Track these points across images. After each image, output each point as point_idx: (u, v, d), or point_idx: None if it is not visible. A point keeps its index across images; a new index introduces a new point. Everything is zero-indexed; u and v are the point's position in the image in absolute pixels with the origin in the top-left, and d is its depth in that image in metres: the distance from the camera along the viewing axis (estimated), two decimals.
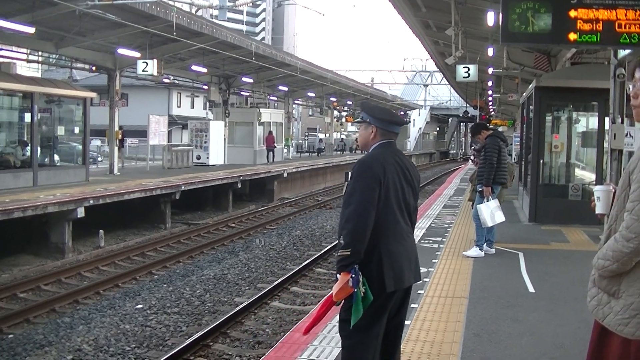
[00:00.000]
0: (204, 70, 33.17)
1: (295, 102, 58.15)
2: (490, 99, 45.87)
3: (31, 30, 20.34)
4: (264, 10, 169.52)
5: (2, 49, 27.52)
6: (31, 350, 10.84)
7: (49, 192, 19.92)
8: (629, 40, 8.58)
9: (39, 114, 21.81)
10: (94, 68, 29.45)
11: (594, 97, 16.77)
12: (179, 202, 24.72)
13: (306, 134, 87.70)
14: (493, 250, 12.72)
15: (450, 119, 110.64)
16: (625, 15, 8.52)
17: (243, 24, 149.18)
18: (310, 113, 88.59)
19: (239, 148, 40.10)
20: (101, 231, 20.14)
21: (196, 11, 31.00)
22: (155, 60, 25.79)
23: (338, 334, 4.82)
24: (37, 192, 19.75)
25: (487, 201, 12.12)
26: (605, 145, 14.49)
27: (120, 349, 10.83)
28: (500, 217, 12.18)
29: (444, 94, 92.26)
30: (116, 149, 29.74)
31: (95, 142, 43.91)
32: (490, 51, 21.55)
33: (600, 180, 15.64)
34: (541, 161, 17.50)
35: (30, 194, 19.34)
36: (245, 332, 11.70)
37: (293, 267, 17.17)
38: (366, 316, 4.46)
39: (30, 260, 17.78)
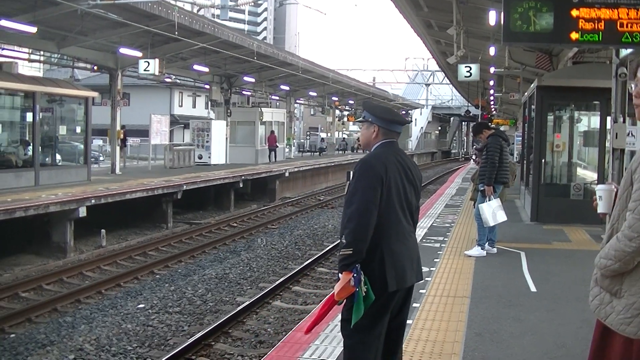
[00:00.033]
0: (206, 69, 33.18)
1: (297, 101, 58.15)
2: (492, 98, 45.80)
3: (33, 29, 20.36)
4: (265, 9, 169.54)
5: (4, 49, 27.54)
6: (33, 350, 10.84)
7: (51, 191, 19.92)
8: (630, 40, 8.58)
9: (40, 114, 21.81)
10: (95, 68, 29.43)
11: (596, 97, 16.76)
12: (180, 201, 24.72)
13: (308, 133, 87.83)
14: (495, 250, 12.71)
15: (452, 119, 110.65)
16: (627, 14, 8.52)
17: (245, 24, 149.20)
18: (312, 112, 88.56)
19: (241, 147, 40.11)
20: (103, 231, 20.14)
21: (198, 11, 31.02)
22: (157, 60, 25.79)
23: (340, 334, 4.81)
24: (39, 192, 19.75)
25: (489, 200, 12.11)
26: (607, 144, 14.49)
27: (122, 349, 10.83)
28: (502, 217, 12.17)
29: (446, 93, 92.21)
30: (118, 148, 29.73)
31: (97, 142, 43.95)
32: (492, 50, 21.55)
33: (602, 179, 15.62)
34: (543, 160, 17.49)
35: (32, 193, 19.35)
36: (247, 332, 11.70)
37: (295, 267, 17.18)
38: (368, 315, 4.46)
39: (32, 259, 17.78)
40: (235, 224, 25.19)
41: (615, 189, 4.07)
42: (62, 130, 24.49)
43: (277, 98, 53.53)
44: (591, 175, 17.92)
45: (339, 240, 4.73)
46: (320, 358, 6.78)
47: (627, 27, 8.53)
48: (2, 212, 16.03)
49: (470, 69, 21.01)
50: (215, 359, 10.34)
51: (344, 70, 64.16)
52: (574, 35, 8.68)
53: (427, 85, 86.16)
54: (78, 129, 25.34)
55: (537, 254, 12.72)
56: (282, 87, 46.09)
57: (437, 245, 13.50)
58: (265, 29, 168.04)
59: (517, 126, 41.16)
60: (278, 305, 13.52)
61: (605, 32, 8.59)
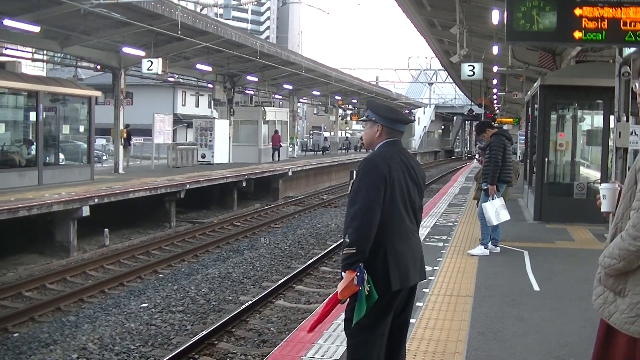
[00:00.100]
0: (209, 68, 33.17)
1: (300, 100, 58.14)
2: (495, 97, 45.79)
3: (36, 29, 20.38)
4: (268, 8, 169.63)
5: (7, 48, 27.54)
6: (36, 349, 10.86)
7: (54, 190, 19.93)
8: (634, 39, 8.58)
9: (44, 113, 21.82)
10: (98, 67, 29.42)
11: (599, 96, 16.75)
12: (183, 200, 24.73)
13: (311, 132, 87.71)
14: (498, 249, 12.71)
15: (455, 118, 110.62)
16: (631, 13, 8.51)
17: (248, 23, 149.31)
18: (315, 111, 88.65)
19: (244, 147, 40.11)
20: (106, 230, 20.16)
21: (201, 10, 31.04)
22: (160, 59, 25.78)
23: (343, 333, 4.81)
24: (42, 191, 19.77)
25: (492, 199, 12.11)
26: (611, 143, 14.48)
27: (125, 348, 10.84)
28: (505, 216, 12.16)
29: (449, 93, 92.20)
30: (121, 147, 29.75)
31: (100, 141, 43.95)
32: (495, 49, 21.54)
33: (605, 178, 15.63)
34: (546, 159, 17.48)
35: (35, 192, 19.36)
36: (250, 331, 11.70)
37: (298, 266, 17.18)
38: (371, 315, 4.46)
39: (35, 259, 17.80)
40: (238, 223, 25.20)
41: (619, 188, 4.07)
42: (66, 129, 24.51)
43: (280, 97, 53.47)
44: (594, 174, 17.90)
45: (342, 239, 4.73)
46: (324, 357, 6.78)
47: (630, 25, 8.52)
48: (5, 212, 16.05)
49: (473, 67, 21.03)
50: (219, 358, 10.34)
51: (347, 69, 64.22)
52: (577, 34, 8.68)
53: (430, 84, 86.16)
54: (81, 129, 25.37)
55: (541, 253, 12.71)
56: (285, 86, 46.05)
57: (440, 244, 13.49)
58: (268, 28, 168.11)
59: (520, 125, 41.20)
60: (281, 304, 13.53)
61: (608, 31, 8.59)
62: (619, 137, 11.73)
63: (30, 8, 20.44)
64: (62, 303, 13.73)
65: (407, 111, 70.14)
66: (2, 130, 21.91)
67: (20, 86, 21.15)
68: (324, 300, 10.03)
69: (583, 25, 8.62)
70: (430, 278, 10.05)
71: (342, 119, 67.95)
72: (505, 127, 38.78)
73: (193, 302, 13.80)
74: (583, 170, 18.56)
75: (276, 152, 42.26)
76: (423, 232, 14.69)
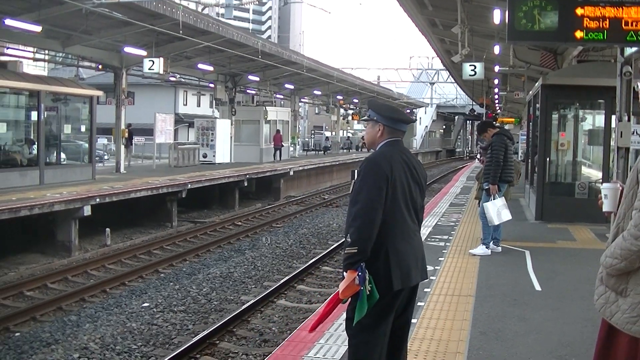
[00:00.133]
0: (210, 68, 33.19)
1: (302, 100, 58.14)
2: (496, 96, 45.81)
3: (38, 28, 20.39)
4: (270, 8, 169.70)
5: (9, 48, 27.55)
6: (38, 349, 10.86)
7: (56, 190, 19.94)
8: (635, 38, 8.56)
9: (45, 113, 21.82)
10: (100, 66, 29.45)
11: (601, 95, 16.74)
12: (185, 200, 24.74)
13: (312, 132, 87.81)
14: (499, 249, 12.70)
15: (456, 117, 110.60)
16: (632, 12, 8.51)
17: (249, 22, 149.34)
18: (316, 111, 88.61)
19: (245, 146, 40.09)
20: (107, 229, 20.16)
21: (202, 9, 31.10)
22: (161, 59, 25.80)
23: (345, 332, 4.81)
24: (44, 191, 19.78)
25: (494, 199, 12.10)
26: (612, 143, 14.45)
27: (126, 347, 10.84)
28: (506, 215, 12.16)
29: (450, 92, 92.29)
30: (123, 147, 29.75)
31: (102, 141, 43.95)
32: (497, 49, 21.54)
33: (606, 178, 15.62)
34: (548, 159, 17.47)
35: (37, 192, 19.37)
36: (251, 331, 11.71)
37: (299, 265, 17.19)
38: (373, 314, 4.46)
39: (36, 258, 17.81)
40: (239, 223, 25.20)
41: (620, 188, 4.07)
42: (67, 129, 24.50)
43: (282, 97, 53.49)
44: (596, 174, 17.90)
45: (343, 239, 4.73)
46: (325, 357, 6.78)
47: (632, 25, 8.51)
48: (7, 211, 16.06)
49: (475, 67, 21.04)
50: (220, 357, 10.34)
51: (349, 69, 64.30)
52: (579, 34, 8.67)
53: (432, 84, 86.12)
54: (83, 128, 25.37)
55: (542, 252, 12.71)
56: (287, 85, 46.08)
57: (442, 244, 13.49)
58: (269, 27, 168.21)
59: (522, 125, 41.18)
60: (283, 304, 13.53)
61: (610, 31, 8.58)
62: (621, 136, 11.70)
63: (32, 8, 20.47)
64: (63, 302, 13.73)
65: (408, 111, 70.16)
66: (3, 130, 21.93)
67: (21, 86, 21.16)
68: (326, 299, 10.03)
69: (584, 25, 8.61)
70: (431, 278, 10.04)
71: (343, 119, 67.96)
72: (506, 127, 38.78)
73: (194, 301, 13.80)
74: (584, 170, 18.55)
75: (278, 152, 42.25)
76: (424, 231, 14.69)
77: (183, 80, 47.26)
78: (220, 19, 34.56)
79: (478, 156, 17.92)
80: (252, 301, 13.12)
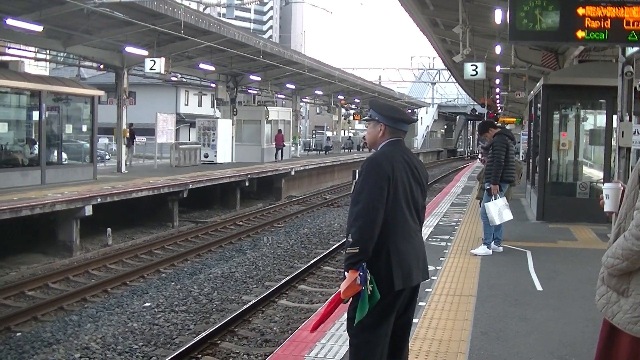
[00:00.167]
0: (212, 68, 33.19)
1: (303, 100, 58.13)
2: (497, 96, 45.82)
3: (39, 28, 20.40)
4: (271, 8, 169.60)
5: (10, 47, 27.57)
6: (39, 349, 10.86)
7: (57, 190, 19.96)
8: (637, 38, 8.57)
9: (46, 112, 21.84)
10: (101, 66, 29.47)
11: (602, 95, 16.73)
12: (186, 200, 24.75)
13: (314, 132, 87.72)
14: (501, 249, 12.70)
15: (457, 117, 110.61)
16: (634, 12, 8.50)
17: (250, 22, 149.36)
18: (317, 111, 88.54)
19: (247, 146, 40.11)
20: (109, 229, 20.17)
21: (204, 9, 31.11)
22: (162, 59, 25.80)
23: (346, 332, 4.81)
24: (45, 190, 19.79)
25: (495, 199, 12.09)
26: (613, 143, 14.45)
27: (128, 347, 10.85)
28: (508, 215, 12.15)
29: (452, 92, 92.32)
30: (124, 147, 29.76)
31: (103, 140, 43.97)
32: (498, 49, 21.54)
33: (608, 178, 15.61)
34: (549, 159, 17.46)
35: (38, 192, 19.38)
36: (253, 331, 11.71)
37: (301, 265, 17.19)
38: (374, 314, 4.46)
39: (38, 258, 17.82)
40: (241, 223, 25.20)
41: (622, 188, 4.07)
42: (68, 129, 24.51)
43: (283, 97, 53.49)
44: (597, 174, 17.89)
45: (345, 239, 4.73)
46: (326, 357, 6.79)
47: (633, 25, 8.51)
48: (8, 211, 16.07)
49: (476, 67, 21.04)
50: (221, 357, 10.34)
51: (350, 68, 64.29)
52: (580, 34, 8.67)
53: (433, 83, 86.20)
54: (84, 128, 25.36)
55: (543, 252, 12.70)
56: (288, 85, 46.07)
57: (443, 244, 13.49)
58: (271, 27, 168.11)
59: (523, 125, 41.18)
60: (284, 304, 13.53)
61: (611, 31, 8.58)
62: (622, 136, 11.70)
63: (33, 7, 20.49)
64: (64, 302, 13.73)
65: (409, 111, 70.19)
66: (5, 130, 21.95)
67: (23, 85, 21.17)
68: (327, 299, 10.03)
69: (586, 25, 8.61)
70: (433, 278, 10.04)
71: (344, 119, 67.97)
72: (507, 127, 38.80)
73: (196, 301, 13.80)
74: (586, 170, 18.55)
75: (279, 152, 42.26)
76: (426, 231, 14.69)
77: (184, 80, 47.33)
78: (222, 18, 34.65)
79: (479, 156, 17.92)
80: (254, 301, 13.12)
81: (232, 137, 38.91)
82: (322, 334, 7.40)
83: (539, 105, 18.39)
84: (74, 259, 18.10)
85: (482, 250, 12.39)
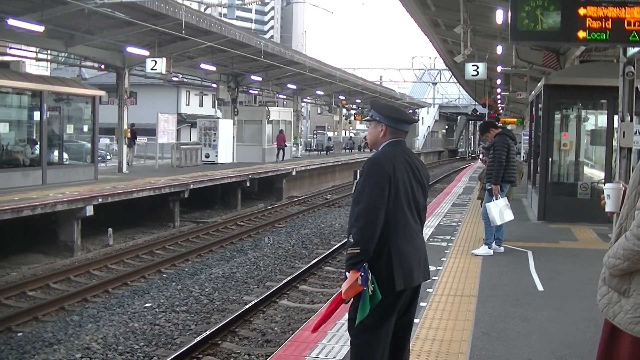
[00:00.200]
0: (213, 68, 33.18)
1: (304, 100, 58.13)
2: (499, 97, 45.80)
3: (40, 28, 20.38)
4: (272, 8, 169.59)
5: (11, 48, 27.58)
6: (40, 349, 10.87)
7: (58, 190, 19.96)
8: (638, 38, 8.56)
9: (48, 113, 21.83)
10: (102, 66, 29.47)
11: (603, 95, 16.73)
12: (187, 200, 24.75)
13: (315, 132, 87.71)
14: (502, 249, 12.70)
15: (458, 117, 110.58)
16: (635, 13, 8.50)
17: (252, 22, 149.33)
18: (318, 111, 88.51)
19: (248, 146, 40.12)
20: (110, 229, 20.17)
21: (205, 9, 31.10)
22: (164, 59, 25.81)
23: (347, 333, 4.81)
24: (46, 191, 19.79)
25: (496, 199, 12.09)
26: (615, 143, 14.46)
27: (129, 348, 10.85)
28: (509, 216, 12.16)
29: (453, 92, 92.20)
30: (125, 147, 29.75)
31: (104, 141, 43.99)
32: (499, 49, 21.54)
33: (609, 178, 15.60)
34: (550, 159, 17.46)
35: (39, 192, 19.39)
36: (254, 331, 11.71)
37: (302, 266, 17.18)
38: (375, 315, 4.46)
39: (39, 258, 17.82)
40: (242, 223, 25.20)
41: (623, 188, 4.07)
42: (69, 129, 24.52)
43: (284, 97, 53.49)
44: (598, 174, 17.90)
45: (346, 239, 4.73)
46: (327, 357, 6.79)
47: (634, 25, 8.51)
48: (9, 211, 16.07)
49: (477, 67, 21.02)
50: (222, 358, 10.35)
51: (351, 69, 64.20)
52: (582, 34, 8.67)
53: (434, 84, 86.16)
54: (85, 128, 25.37)
55: (544, 253, 12.70)
56: (289, 85, 46.06)
57: (444, 244, 13.49)
58: (272, 27, 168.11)
59: (524, 125, 41.13)
60: (285, 304, 13.53)
61: (612, 31, 8.57)
62: (623, 136, 11.69)
63: (35, 8, 20.49)
64: (65, 303, 13.73)
65: (410, 111, 70.22)
66: (6, 130, 21.96)
67: (24, 86, 21.17)
68: (328, 300, 10.02)
69: (587, 25, 8.61)
70: (434, 278, 10.04)
71: (345, 119, 67.98)
72: (509, 127, 38.78)
73: (197, 301, 13.81)
74: (587, 170, 18.55)
75: (281, 152, 42.27)
76: (427, 232, 14.68)
77: (185, 80, 47.33)
78: (223, 19, 34.63)
79: (480, 156, 17.91)
80: (255, 301, 13.12)
81: (233, 137, 38.91)
82: (323, 334, 7.40)
83: (540, 106, 18.39)
84: (75, 259, 18.11)
85: (483, 250, 12.39)
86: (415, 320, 6.97)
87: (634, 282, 3.61)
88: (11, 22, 19.45)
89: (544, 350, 7.07)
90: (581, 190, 17.38)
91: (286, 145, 43.09)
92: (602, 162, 17.18)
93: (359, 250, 4.37)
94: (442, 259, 11.90)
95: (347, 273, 4.44)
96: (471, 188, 26.63)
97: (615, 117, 14.01)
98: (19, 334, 11.76)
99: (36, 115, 21.87)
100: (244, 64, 35.07)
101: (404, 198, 4.61)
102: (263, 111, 41.20)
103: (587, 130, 18.83)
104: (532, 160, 22.42)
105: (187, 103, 62.75)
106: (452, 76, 61.65)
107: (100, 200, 19.25)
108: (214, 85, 40.62)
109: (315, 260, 17.49)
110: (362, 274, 4.36)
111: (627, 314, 3.59)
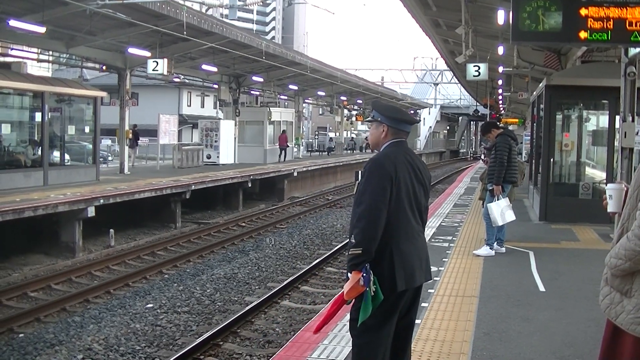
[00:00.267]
0: (214, 69, 33.16)
1: (306, 101, 58.11)
2: (500, 97, 45.75)
3: (42, 29, 20.38)
4: (274, 9, 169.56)
5: (13, 49, 27.59)
6: (42, 350, 10.87)
7: (60, 191, 19.96)
8: (639, 39, 8.56)
9: (49, 114, 21.85)
10: (104, 67, 29.44)
11: (605, 96, 16.72)
12: (189, 201, 24.74)
13: (316, 133, 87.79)
14: (503, 249, 12.69)
15: (460, 118, 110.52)
16: (636, 13, 8.50)
17: (253, 23, 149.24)
18: (320, 112, 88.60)
19: (249, 147, 40.13)
20: (111, 230, 20.18)
21: (206, 10, 31.06)
22: (165, 60, 25.80)
23: (349, 333, 4.81)
24: (48, 192, 19.80)
25: (498, 200, 12.09)
26: (616, 143, 14.46)
27: (130, 348, 10.85)
28: (510, 216, 12.15)
29: (454, 93, 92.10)
30: (127, 148, 29.74)
31: (106, 142, 44.00)
32: (501, 50, 21.52)
33: (610, 179, 15.59)
34: (551, 160, 17.46)
35: (41, 193, 19.39)
36: (255, 332, 11.71)
37: (303, 266, 17.18)
38: (377, 315, 4.46)
39: (40, 259, 17.82)
40: (243, 224, 25.21)
41: (625, 188, 4.07)
42: (71, 130, 24.53)
43: (286, 98, 53.49)
44: (600, 175, 17.90)
45: (347, 240, 4.73)
46: (329, 358, 6.78)
47: (636, 26, 8.51)
48: (11, 212, 16.08)
49: (479, 68, 20.99)
50: (224, 358, 10.34)
51: (353, 69, 64.11)
52: (583, 34, 8.67)
53: (436, 84, 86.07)
54: (87, 129, 25.38)
55: (546, 253, 12.70)
56: (291, 86, 46.05)
57: (446, 244, 13.49)
58: (273, 28, 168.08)
59: (526, 125, 41.12)
60: (287, 305, 13.53)
61: (614, 31, 8.58)
62: (625, 137, 11.70)
63: (36, 9, 20.47)
64: (67, 303, 13.74)
65: (412, 112, 70.19)
66: (7, 131, 21.95)
67: (25, 87, 21.19)
68: (330, 300, 10.02)
69: (589, 26, 8.61)
70: (435, 278, 10.03)
71: (347, 120, 67.97)
72: (510, 128, 38.76)
73: (198, 302, 13.81)
74: (588, 171, 18.54)
75: (283, 152, 42.29)
76: (428, 232, 14.68)
77: (187, 81, 47.25)
78: (225, 19, 34.59)
79: (482, 157, 17.91)
80: (256, 302, 13.12)
81: (235, 138, 38.92)
82: (325, 335, 7.40)
83: (542, 106, 18.39)
84: (76, 260, 18.11)
85: (484, 251, 12.38)
86: (417, 321, 6.96)
87: (636, 282, 3.61)
88: (12, 23, 19.45)
89: (545, 350, 7.06)
90: (583, 190, 17.37)
91: (288, 146, 43.10)
92: (604, 162, 17.17)
93: (361, 251, 4.37)
94: (444, 259, 11.90)
95: (349, 274, 4.44)
96: (472, 189, 26.63)
97: (617, 117, 14.02)
98: (21, 335, 11.76)
99: (38, 116, 21.88)
100: (245, 64, 35.08)
101: (405, 199, 4.61)
102: (264, 112, 41.21)
103: (589, 130, 18.83)
104: (533, 161, 22.41)
105: (189, 104, 62.77)
106: (454, 77, 61.60)
107: (101, 201, 19.25)
108: (216, 86, 40.62)
109: (317, 260, 17.49)
110: (364, 274, 4.36)
111: (629, 315, 3.59)
